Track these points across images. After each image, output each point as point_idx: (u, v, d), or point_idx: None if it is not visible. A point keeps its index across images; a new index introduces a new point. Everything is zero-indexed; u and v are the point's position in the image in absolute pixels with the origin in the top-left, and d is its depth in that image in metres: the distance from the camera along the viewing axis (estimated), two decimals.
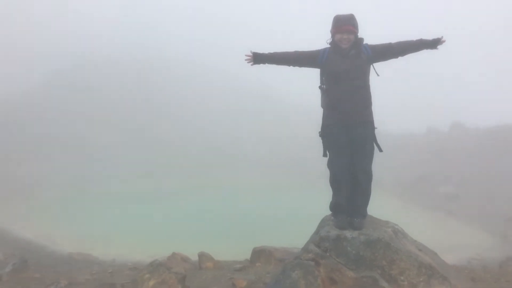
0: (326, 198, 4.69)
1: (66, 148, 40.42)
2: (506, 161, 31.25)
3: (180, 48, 67.32)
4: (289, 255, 7.31)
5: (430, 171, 34.15)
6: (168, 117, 49.88)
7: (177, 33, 77.34)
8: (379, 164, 4.65)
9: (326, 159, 4.53)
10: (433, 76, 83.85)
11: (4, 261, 11.11)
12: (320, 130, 4.49)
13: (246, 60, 4.48)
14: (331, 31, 4.38)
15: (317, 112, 4.82)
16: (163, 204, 29.45)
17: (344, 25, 4.26)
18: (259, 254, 7.97)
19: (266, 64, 4.54)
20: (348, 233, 4.18)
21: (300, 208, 25.43)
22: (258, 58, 4.47)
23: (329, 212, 4.63)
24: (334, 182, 4.43)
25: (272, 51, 4.52)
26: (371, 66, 4.40)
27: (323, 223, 4.56)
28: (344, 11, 4.47)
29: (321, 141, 4.50)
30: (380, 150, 4.46)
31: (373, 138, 4.40)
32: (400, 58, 4.45)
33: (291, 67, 4.59)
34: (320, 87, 4.50)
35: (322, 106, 4.50)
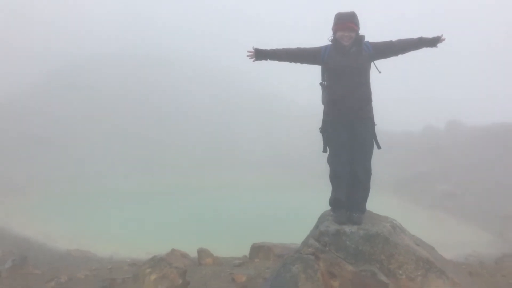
0: (325, 197, 4.74)
1: (64, 146, 40.37)
2: (503, 159, 31.40)
3: (180, 47, 67.17)
4: (288, 251, 7.34)
5: (427, 169, 34.31)
6: (166, 116, 49.83)
7: (176, 30, 77.21)
8: (376, 161, 4.70)
9: (325, 157, 4.58)
10: (430, 74, 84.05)
11: (3, 258, 11.11)
12: (320, 126, 4.54)
13: (248, 56, 4.51)
14: (332, 29, 4.43)
15: (317, 110, 4.86)
16: (162, 203, 29.48)
17: (346, 22, 4.31)
18: (258, 250, 8.01)
19: (268, 60, 4.57)
20: (347, 228, 4.23)
21: (299, 206, 25.50)
22: (260, 54, 4.51)
23: (328, 208, 4.68)
24: (334, 177, 4.49)
25: (274, 47, 4.56)
26: (372, 63, 4.45)
27: (322, 218, 4.61)
28: (346, 9, 4.52)
29: (321, 137, 4.55)
30: (379, 147, 4.52)
31: (373, 135, 4.46)
32: (400, 55, 4.51)
33: (293, 63, 4.63)
34: (321, 84, 4.55)
35: (323, 102, 4.56)
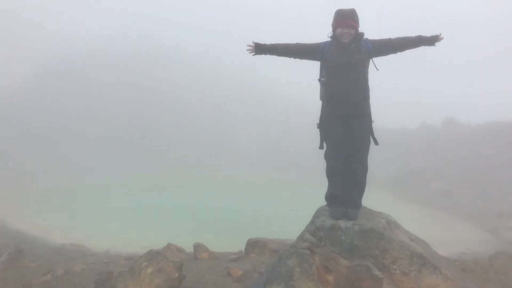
0: (321, 194, 4.78)
1: (61, 141, 40.27)
2: (498, 158, 31.57)
3: (180, 45, 66.85)
4: (283, 246, 7.39)
5: (422, 166, 34.44)
6: (163, 112, 49.75)
7: (175, 25, 76.95)
8: (373, 158, 4.74)
9: (322, 155, 4.62)
10: (427, 72, 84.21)
11: None
12: (318, 121, 4.58)
13: (248, 50, 4.54)
14: (332, 25, 4.47)
15: (314, 107, 4.89)
16: (158, 198, 29.48)
17: (346, 19, 4.34)
18: (254, 245, 8.05)
19: (268, 55, 4.59)
20: (342, 223, 4.28)
21: (295, 203, 25.47)
22: (259, 49, 4.54)
23: (324, 203, 4.73)
24: (330, 173, 4.53)
25: (274, 42, 4.59)
26: (371, 60, 4.49)
27: (318, 213, 4.66)
28: (346, 5, 4.55)
29: (318, 133, 4.59)
30: (376, 143, 4.57)
31: (370, 131, 4.50)
32: (398, 53, 4.55)
33: (292, 58, 4.66)
34: (319, 80, 4.59)
35: (321, 98, 4.60)
